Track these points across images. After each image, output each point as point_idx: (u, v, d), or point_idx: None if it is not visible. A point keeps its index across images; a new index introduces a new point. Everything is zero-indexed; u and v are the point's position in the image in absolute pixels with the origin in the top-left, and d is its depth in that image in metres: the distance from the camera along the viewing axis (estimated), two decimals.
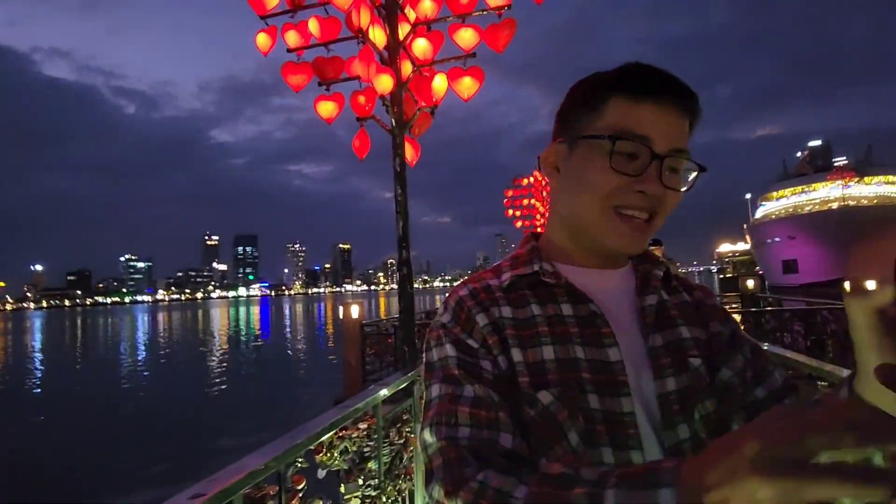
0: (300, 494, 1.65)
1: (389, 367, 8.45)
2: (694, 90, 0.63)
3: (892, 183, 50.36)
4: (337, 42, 3.90)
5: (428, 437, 0.58)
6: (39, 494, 8.27)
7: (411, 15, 3.91)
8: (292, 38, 3.99)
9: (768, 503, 0.32)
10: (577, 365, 0.60)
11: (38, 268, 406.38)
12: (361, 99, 3.72)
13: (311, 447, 1.78)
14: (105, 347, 36.21)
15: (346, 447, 2.01)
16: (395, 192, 3.66)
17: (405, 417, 2.79)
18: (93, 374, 22.08)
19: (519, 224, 24.07)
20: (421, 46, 3.66)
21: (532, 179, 23.22)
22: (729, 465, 0.34)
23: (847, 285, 0.39)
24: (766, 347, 2.90)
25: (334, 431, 1.96)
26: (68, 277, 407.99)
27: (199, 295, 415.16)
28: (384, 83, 3.46)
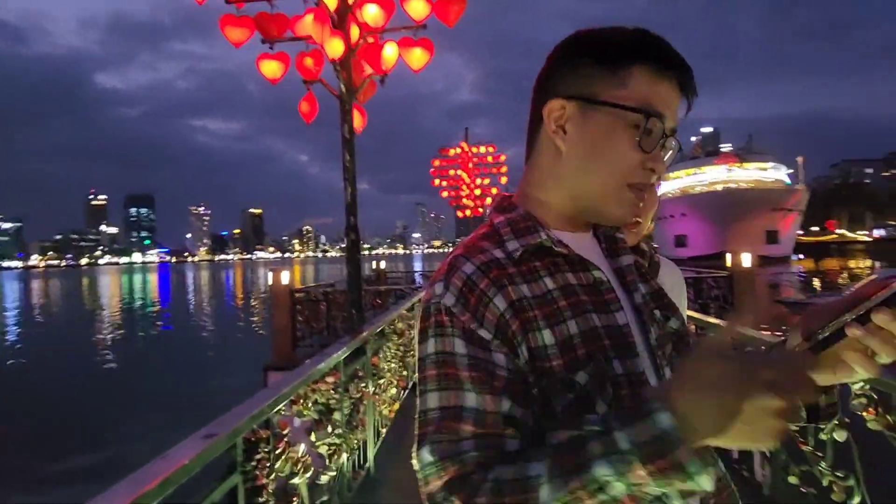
0: (285, 439, 1.79)
1: (320, 333, 8.45)
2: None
3: (764, 169, 57.81)
4: None
5: (427, 456, 0.54)
6: None
7: None
8: None
9: (774, 412, 0.42)
10: (598, 334, 0.59)
11: None
12: (309, 61, 3.65)
13: (293, 397, 1.91)
14: None
15: (316, 399, 2.16)
16: (343, 158, 3.69)
17: (360, 374, 2.98)
18: None
19: (445, 194, 24.30)
20: (371, 13, 3.65)
21: (459, 150, 23.53)
22: (742, 388, 0.43)
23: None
24: None
25: (308, 385, 2.10)
26: None
27: (84, 261, 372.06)
28: (335, 47, 3.43)
